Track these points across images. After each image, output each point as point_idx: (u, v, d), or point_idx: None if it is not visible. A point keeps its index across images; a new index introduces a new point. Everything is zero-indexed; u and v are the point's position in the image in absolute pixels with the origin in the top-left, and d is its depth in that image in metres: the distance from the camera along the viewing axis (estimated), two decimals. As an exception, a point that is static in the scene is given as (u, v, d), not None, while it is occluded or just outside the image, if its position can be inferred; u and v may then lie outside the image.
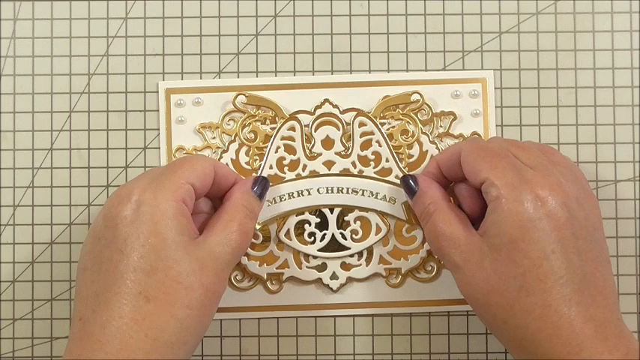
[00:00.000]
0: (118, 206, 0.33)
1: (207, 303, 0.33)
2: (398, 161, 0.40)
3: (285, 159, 0.40)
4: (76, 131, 0.41)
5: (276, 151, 0.40)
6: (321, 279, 0.40)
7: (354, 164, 0.40)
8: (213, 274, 0.33)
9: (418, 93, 0.40)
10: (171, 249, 0.33)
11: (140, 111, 0.41)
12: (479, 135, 0.41)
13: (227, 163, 0.40)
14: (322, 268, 0.40)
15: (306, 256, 0.40)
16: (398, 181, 0.40)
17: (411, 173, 0.39)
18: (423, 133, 0.40)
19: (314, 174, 0.40)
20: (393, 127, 0.40)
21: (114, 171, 0.41)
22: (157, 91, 0.41)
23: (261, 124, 0.41)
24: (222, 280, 0.34)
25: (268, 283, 0.40)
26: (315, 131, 0.40)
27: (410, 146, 0.40)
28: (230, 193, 0.37)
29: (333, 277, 0.40)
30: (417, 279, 0.40)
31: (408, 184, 0.37)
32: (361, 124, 0.40)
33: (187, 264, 0.33)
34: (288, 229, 0.40)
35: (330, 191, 0.40)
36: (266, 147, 0.40)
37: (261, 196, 0.38)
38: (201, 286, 0.33)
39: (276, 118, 0.40)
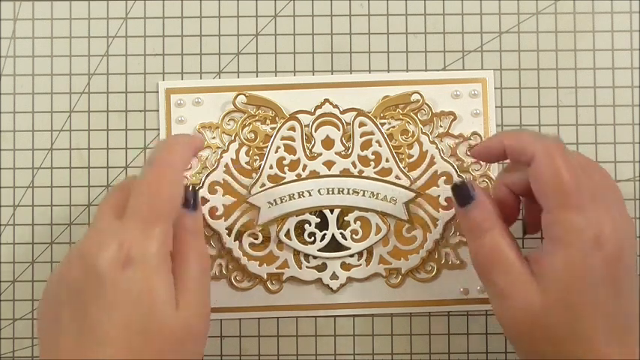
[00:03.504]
0: (101, 254, 0.30)
1: (196, 352, 0.33)
2: (398, 161, 0.40)
3: (285, 159, 0.40)
4: (76, 131, 0.41)
5: (276, 151, 0.40)
6: (321, 279, 0.40)
7: (354, 164, 0.40)
8: (200, 339, 0.33)
9: (418, 93, 0.40)
10: (163, 310, 0.31)
11: (140, 111, 0.41)
12: (480, 136, 0.40)
13: (227, 163, 0.40)
14: (322, 268, 0.40)
15: (306, 256, 0.40)
16: (398, 181, 0.40)
17: (464, 179, 0.36)
18: (423, 133, 0.40)
19: (314, 174, 0.40)
20: (393, 127, 0.40)
21: (114, 171, 0.41)
22: (157, 91, 0.41)
23: (261, 124, 0.41)
24: (206, 331, 0.34)
25: (268, 283, 0.40)
26: (315, 131, 0.40)
27: (410, 146, 0.40)
28: (182, 244, 0.34)
29: (333, 277, 0.40)
30: (416, 279, 0.40)
31: (465, 190, 0.34)
32: (361, 124, 0.40)
33: (175, 324, 0.31)
34: (288, 229, 0.40)
35: (330, 192, 0.40)
36: (266, 147, 0.40)
37: (195, 206, 0.35)
38: (190, 343, 0.32)
39: (276, 118, 0.40)
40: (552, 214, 0.32)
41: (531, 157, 0.32)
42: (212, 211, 0.40)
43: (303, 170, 0.40)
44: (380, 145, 0.40)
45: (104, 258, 0.30)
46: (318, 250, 0.40)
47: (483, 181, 0.40)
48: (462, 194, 0.34)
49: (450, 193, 0.40)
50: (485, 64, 0.41)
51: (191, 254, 0.33)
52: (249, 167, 0.40)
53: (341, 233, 0.40)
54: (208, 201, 0.40)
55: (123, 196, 0.33)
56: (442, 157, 0.40)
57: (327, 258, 0.40)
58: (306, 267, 0.40)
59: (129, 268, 0.30)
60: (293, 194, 0.40)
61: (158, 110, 0.41)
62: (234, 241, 0.40)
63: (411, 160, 0.40)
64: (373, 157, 0.40)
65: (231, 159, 0.40)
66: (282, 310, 0.40)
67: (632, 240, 0.33)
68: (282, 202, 0.40)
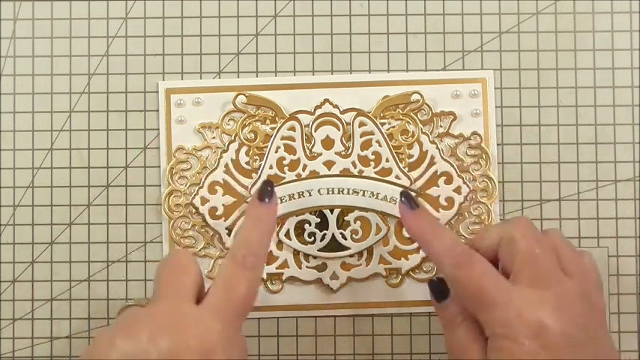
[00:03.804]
0: (182, 342, 0.31)
1: None
2: (398, 161, 0.40)
3: (285, 159, 0.40)
4: (76, 131, 0.41)
5: (276, 151, 0.40)
6: (321, 279, 0.40)
7: (354, 164, 0.40)
8: None
9: (418, 93, 0.40)
10: None
11: (140, 111, 0.41)
12: (479, 135, 0.40)
13: (227, 163, 0.40)
14: (322, 268, 0.40)
15: (306, 256, 0.40)
16: (398, 181, 0.40)
17: (440, 277, 0.37)
18: (423, 133, 0.40)
19: (314, 174, 0.40)
20: (393, 127, 0.40)
21: (114, 171, 0.41)
22: (157, 91, 0.41)
23: (261, 124, 0.41)
24: None
25: (268, 283, 0.40)
26: (315, 131, 0.40)
27: (410, 146, 0.40)
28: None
29: (333, 277, 0.40)
30: (416, 279, 0.40)
31: (441, 286, 0.36)
32: (361, 124, 0.40)
33: None
34: (288, 229, 0.40)
35: (330, 192, 0.40)
36: (266, 147, 0.40)
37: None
38: None
39: (276, 118, 0.40)
40: (477, 315, 0.33)
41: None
42: (212, 211, 0.40)
43: (303, 170, 0.40)
44: (380, 145, 0.40)
45: (187, 347, 0.31)
46: (318, 250, 0.40)
47: (483, 180, 0.40)
48: (439, 291, 0.36)
49: (450, 193, 0.40)
50: (485, 64, 0.41)
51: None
52: (249, 167, 0.40)
53: (341, 233, 0.40)
54: (208, 201, 0.40)
55: (188, 280, 0.33)
56: (442, 157, 0.40)
57: (327, 258, 0.40)
58: (306, 267, 0.40)
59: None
60: (293, 194, 0.40)
61: (158, 110, 0.41)
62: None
63: (411, 160, 0.40)
64: (373, 157, 0.40)
65: (231, 159, 0.40)
66: (282, 310, 0.40)
67: (584, 319, 0.32)
68: (281, 202, 0.40)
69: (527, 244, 0.34)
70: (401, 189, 0.39)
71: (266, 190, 0.36)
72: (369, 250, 0.40)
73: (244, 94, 0.41)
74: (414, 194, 0.38)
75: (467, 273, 0.33)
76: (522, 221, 0.35)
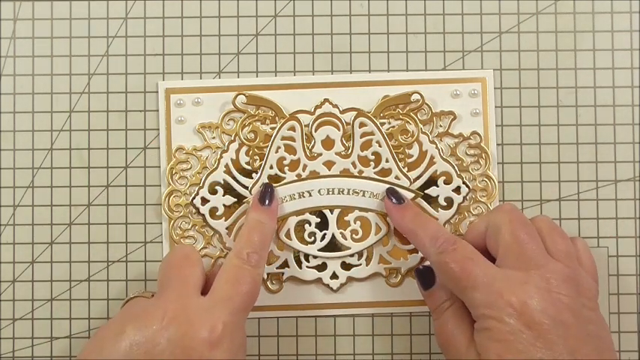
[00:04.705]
0: (192, 332, 0.32)
1: None
2: (398, 162, 0.40)
3: (285, 159, 0.40)
4: (76, 131, 0.41)
5: (277, 151, 0.40)
6: (321, 279, 0.40)
7: (354, 164, 0.40)
8: None
9: (418, 93, 0.40)
10: None
11: (140, 111, 0.41)
12: (479, 135, 0.40)
13: (227, 164, 0.40)
14: (322, 267, 0.40)
15: (306, 255, 0.40)
16: (398, 182, 0.40)
17: (427, 265, 0.38)
18: (422, 132, 0.40)
19: (314, 174, 0.40)
20: (393, 127, 0.40)
21: (114, 171, 0.41)
22: (157, 91, 0.41)
23: (261, 124, 0.41)
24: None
25: (268, 283, 0.40)
26: (315, 131, 0.40)
27: (410, 146, 0.40)
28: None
29: (333, 276, 0.40)
30: (417, 279, 0.40)
31: (427, 274, 0.37)
32: (361, 124, 0.40)
33: None
34: (289, 229, 0.40)
35: (330, 192, 0.40)
36: (266, 147, 0.40)
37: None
38: None
39: (276, 118, 0.40)
40: (462, 297, 0.35)
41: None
42: (212, 211, 0.40)
43: (304, 170, 0.40)
44: (380, 146, 0.40)
45: (196, 338, 0.32)
46: (318, 250, 0.40)
47: (483, 180, 0.40)
48: (425, 279, 0.38)
49: (450, 193, 0.40)
50: (485, 64, 0.41)
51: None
52: (249, 167, 0.40)
53: (341, 233, 0.40)
54: (208, 201, 0.40)
55: (194, 272, 0.35)
56: (442, 157, 0.40)
57: (327, 258, 0.40)
58: (306, 267, 0.40)
59: (217, 349, 0.32)
60: (293, 194, 0.40)
61: (158, 110, 0.41)
62: (235, 241, 0.40)
63: (411, 160, 0.40)
64: (373, 157, 0.40)
65: (231, 159, 0.40)
66: (282, 310, 0.40)
67: (569, 300, 0.33)
68: (282, 202, 0.40)
69: (512, 229, 0.35)
70: (401, 189, 0.40)
71: (266, 193, 0.38)
72: (369, 249, 0.40)
73: (244, 94, 0.41)
74: (401, 190, 0.39)
75: (451, 257, 0.35)
76: (507, 207, 0.36)
